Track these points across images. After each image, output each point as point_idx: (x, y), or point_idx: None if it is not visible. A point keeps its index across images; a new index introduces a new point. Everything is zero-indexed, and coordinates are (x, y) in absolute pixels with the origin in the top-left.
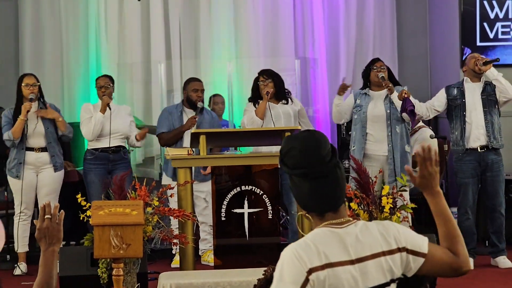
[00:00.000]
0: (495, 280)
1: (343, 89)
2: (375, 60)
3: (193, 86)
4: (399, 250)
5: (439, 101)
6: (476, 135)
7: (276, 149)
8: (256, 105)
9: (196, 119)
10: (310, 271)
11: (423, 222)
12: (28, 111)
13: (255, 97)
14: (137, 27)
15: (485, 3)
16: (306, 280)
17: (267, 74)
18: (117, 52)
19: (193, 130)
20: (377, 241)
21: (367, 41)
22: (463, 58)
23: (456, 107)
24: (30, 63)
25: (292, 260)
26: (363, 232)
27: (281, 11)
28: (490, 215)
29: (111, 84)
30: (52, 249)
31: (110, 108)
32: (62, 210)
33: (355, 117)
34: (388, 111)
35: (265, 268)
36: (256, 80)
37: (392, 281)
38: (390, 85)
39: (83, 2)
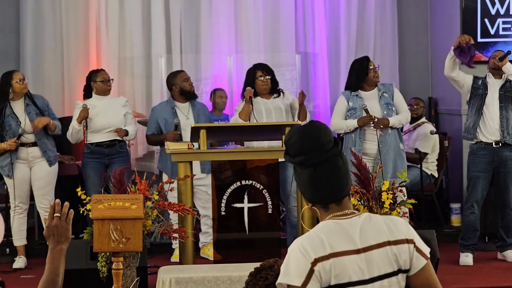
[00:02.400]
0: (495, 275)
1: (368, 123)
2: (368, 59)
3: (182, 77)
4: (407, 241)
5: (468, 77)
6: (489, 129)
7: (274, 143)
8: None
9: (178, 135)
10: (315, 262)
11: (422, 218)
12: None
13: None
14: (138, 21)
15: None
16: (311, 271)
17: (266, 69)
18: (117, 46)
19: (193, 124)
20: (382, 231)
21: (368, 36)
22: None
23: (476, 96)
24: (31, 58)
25: (297, 253)
26: (367, 223)
27: (282, 6)
28: (500, 210)
29: (112, 79)
30: (60, 247)
31: (86, 124)
32: (72, 209)
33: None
34: (385, 112)
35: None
36: (253, 74)
37: (400, 271)
38: (379, 124)
39: None
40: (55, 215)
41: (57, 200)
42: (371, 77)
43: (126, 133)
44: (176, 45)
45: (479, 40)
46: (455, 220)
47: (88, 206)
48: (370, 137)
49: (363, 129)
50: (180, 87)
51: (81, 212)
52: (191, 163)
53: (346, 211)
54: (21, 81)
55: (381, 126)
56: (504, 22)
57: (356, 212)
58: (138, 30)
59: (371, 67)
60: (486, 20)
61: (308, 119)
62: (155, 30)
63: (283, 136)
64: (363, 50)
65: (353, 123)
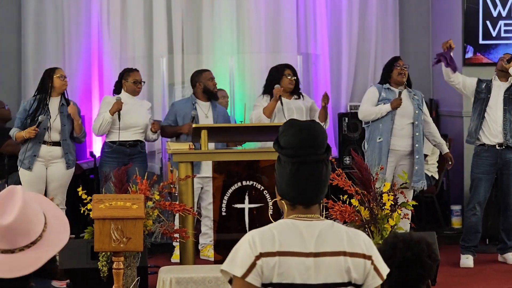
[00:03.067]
0: (496, 278)
1: (398, 105)
2: (397, 58)
3: (208, 75)
4: (365, 256)
5: (471, 81)
6: (492, 131)
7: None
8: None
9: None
10: (260, 256)
11: (423, 220)
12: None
13: (271, 88)
14: (140, 21)
15: (488, 1)
16: (253, 264)
17: (294, 70)
18: (119, 46)
19: (194, 125)
20: (340, 240)
21: (369, 37)
22: (467, 57)
23: (479, 100)
24: (32, 58)
25: (245, 244)
26: (327, 229)
27: (284, 7)
28: (502, 212)
29: (144, 81)
30: None
31: (119, 117)
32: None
33: None
34: (417, 111)
35: None
36: (280, 72)
37: (351, 284)
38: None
39: None
40: None
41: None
42: (395, 74)
43: (158, 129)
44: (178, 45)
45: (481, 42)
46: (456, 222)
47: (89, 206)
48: (400, 133)
49: (393, 122)
50: (204, 85)
51: (82, 211)
52: (192, 163)
53: (311, 215)
54: (62, 77)
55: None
56: (506, 24)
57: (321, 218)
58: (139, 30)
59: (398, 65)
60: (487, 22)
61: (328, 122)
62: (156, 30)
63: None
64: (365, 51)
65: (386, 107)
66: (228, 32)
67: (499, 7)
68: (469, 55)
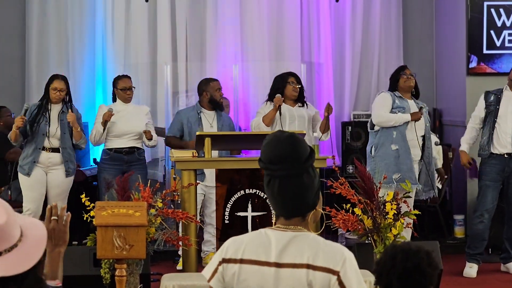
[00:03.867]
0: (498, 287)
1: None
2: (404, 67)
3: (216, 86)
4: (331, 271)
5: (479, 110)
6: (502, 142)
7: None
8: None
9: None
10: (222, 261)
11: (426, 229)
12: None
13: (274, 95)
14: (144, 28)
15: (492, 10)
16: (216, 269)
17: (298, 78)
18: (123, 53)
19: (198, 132)
20: (307, 253)
21: (372, 46)
22: (471, 66)
23: (489, 113)
24: (36, 63)
25: (220, 249)
26: (298, 241)
27: (287, 16)
28: (506, 221)
29: (134, 87)
30: (58, 250)
31: (104, 127)
32: (69, 212)
33: None
34: (427, 124)
35: None
36: (284, 80)
37: None
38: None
39: (90, 3)
40: (52, 218)
41: (54, 203)
42: (402, 82)
43: (151, 137)
44: (182, 53)
45: (485, 51)
46: (459, 231)
47: (92, 213)
48: (410, 143)
49: (405, 132)
50: (210, 95)
51: (84, 218)
52: (195, 171)
53: (290, 226)
54: (55, 90)
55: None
56: (510, 34)
57: (300, 229)
58: (143, 38)
59: (405, 74)
60: (492, 32)
61: (329, 134)
62: (160, 38)
63: None
64: (368, 60)
65: (406, 116)
66: (232, 40)
67: (503, 17)
68: (473, 64)
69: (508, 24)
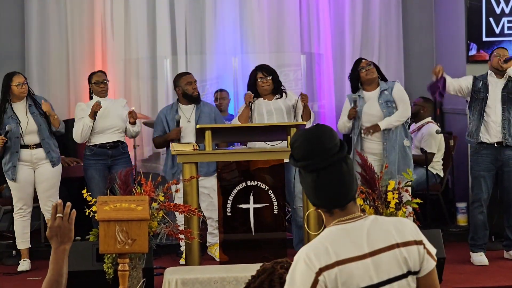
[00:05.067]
0: (502, 274)
1: (353, 115)
2: (359, 61)
3: (186, 80)
4: (416, 243)
5: (466, 83)
6: (492, 131)
7: (282, 144)
8: (252, 104)
9: (181, 129)
10: (320, 272)
11: (428, 217)
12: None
13: (252, 93)
14: (143, 22)
15: None
16: (316, 281)
17: (266, 70)
18: (123, 47)
19: (199, 125)
20: (390, 234)
21: (372, 36)
22: (471, 54)
23: (477, 100)
24: (36, 59)
25: (301, 263)
26: (374, 226)
27: (287, 6)
28: (506, 210)
29: (108, 81)
30: (63, 247)
31: (93, 117)
32: (74, 210)
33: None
34: (384, 110)
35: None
36: (254, 76)
37: (410, 273)
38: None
39: None
40: (57, 215)
41: (59, 201)
42: (364, 76)
43: (135, 119)
44: (181, 46)
45: (484, 39)
46: (461, 219)
47: (94, 208)
48: (374, 136)
49: (360, 130)
50: (182, 90)
51: (86, 213)
52: (196, 164)
53: (352, 215)
54: (20, 85)
55: (370, 131)
56: (509, 21)
57: (362, 214)
58: (143, 32)
59: (362, 66)
60: (491, 19)
61: (312, 119)
62: (160, 32)
63: (289, 137)
64: (368, 51)
65: (344, 118)
66: (232, 32)
67: (502, 4)
68: (473, 52)
69: (507, 11)
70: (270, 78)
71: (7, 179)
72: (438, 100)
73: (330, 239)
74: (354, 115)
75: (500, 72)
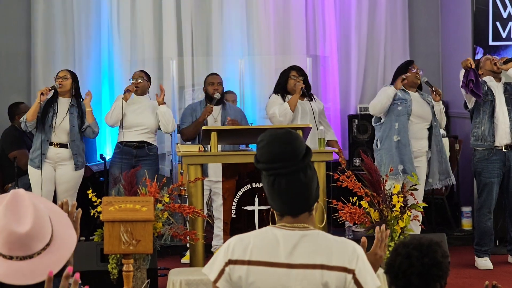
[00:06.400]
0: (506, 279)
1: (401, 82)
2: (412, 62)
3: (209, 80)
4: (346, 270)
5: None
6: (501, 133)
7: None
8: (285, 98)
9: (212, 108)
10: (229, 262)
11: (433, 221)
12: (42, 94)
13: (283, 90)
14: (150, 23)
15: (498, 2)
16: (223, 270)
17: (300, 71)
18: (129, 48)
19: (208, 126)
20: (320, 253)
21: (378, 39)
22: (477, 58)
23: (485, 103)
24: (42, 59)
25: (223, 248)
26: (308, 240)
27: (293, 9)
28: (510, 214)
29: (144, 77)
30: None
31: (126, 95)
32: (79, 209)
33: (399, 109)
34: (432, 111)
35: None
36: (286, 74)
37: None
38: (440, 92)
39: None
40: None
41: (65, 200)
42: (411, 77)
43: (163, 98)
44: (188, 47)
45: (491, 43)
46: (466, 223)
47: (99, 208)
48: (416, 135)
49: (408, 122)
50: (205, 90)
51: (91, 214)
52: (201, 165)
53: (298, 224)
54: (57, 78)
55: (440, 92)
56: None
57: (310, 227)
58: (149, 33)
59: (413, 68)
60: (497, 23)
61: None
62: (166, 33)
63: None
64: (374, 53)
65: (390, 89)
66: (238, 34)
67: (509, 8)
68: (479, 56)
69: None
70: (302, 78)
71: (31, 167)
72: (476, 95)
73: (259, 237)
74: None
75: (497, 76)
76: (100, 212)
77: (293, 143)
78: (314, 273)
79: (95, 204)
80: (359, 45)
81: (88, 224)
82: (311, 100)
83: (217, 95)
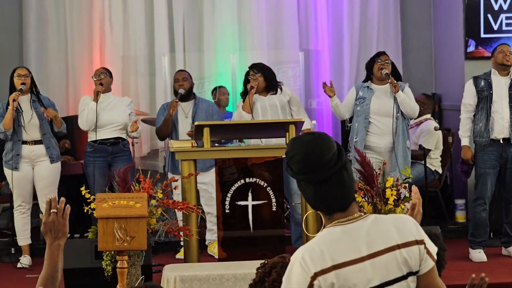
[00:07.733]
0: (501, 271)
1: (330, 91)
2: (380, 53)
3: (175, 77)
4: (417, 242)
5: (470, 95)
6: (500, 127)
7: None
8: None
9: (177, 102)
10: (315, 276)
11: (426, 214)
12: (14, 100)
13: (247, 91)
14: (141, 20)
15: None
16: (311, 285)
17: (257, 68)
18: (121, 45)
19: (197, 122)
20: (390, 234)
21: (370, 33)
22: (467, 50)
23: (482, 99)
24: (34, 56)
25: (297, 265)
26: (374, 226)
27: (285, 3)
28: (505, 206)
29: (107, 73)
30: (57, 243)
31: (97, 96)
32: (68, 205)
33: (358, 109)
34: (395, 105)
35: (262, 261)
36: (247, 75)
37: (410, 273)
38: (396, 84)
39: None
40: (51, 211)
41: (53, 196)
42: (376, 69)
43: (137, 129)
44: (179, 43)
45: (482, 35)
46: (460, 216)
47: (93, 205)
48: (377, 130)
49: (368, 120)
50: (173, 87)
51: (85, 211)
52: (195, 161)
53: (351, 215)
54: (20, 76)
55: (396, 84)
56: (507, 18)
57: (363, 214)
58: (141, 29)
59: (380, 61)
60: (489, 15)
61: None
62: (158, 29)
63: (287, 134)
64: (366, 47)
65: (330, 101)
66: (230, 29)
67: (500, 0)
68: (471, 49)
69: (505, 7)
70: (260, 74)
71: (7, 170)
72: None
73: (328, 241)
74: (332, 90)
75: (504, 69)
76: (93, 209)
77: (326, 149)
78: (394, 255)
79: (88, 201)
80: (352, 39)
81: (82, 221)
82: (275, 93)
83: (181, 91)
